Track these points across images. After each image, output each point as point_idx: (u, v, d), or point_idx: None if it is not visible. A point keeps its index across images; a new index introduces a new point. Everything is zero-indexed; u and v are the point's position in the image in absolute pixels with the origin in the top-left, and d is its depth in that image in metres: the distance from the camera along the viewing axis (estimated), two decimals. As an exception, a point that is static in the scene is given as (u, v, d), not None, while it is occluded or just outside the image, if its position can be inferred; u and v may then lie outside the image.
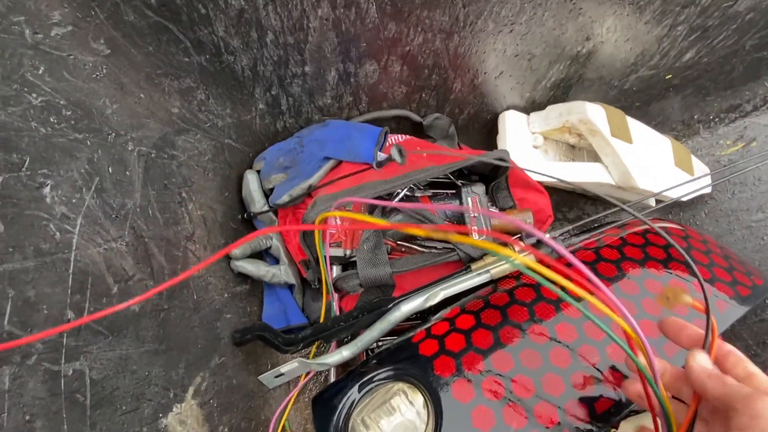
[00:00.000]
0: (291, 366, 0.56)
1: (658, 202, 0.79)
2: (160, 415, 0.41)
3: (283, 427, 0.60)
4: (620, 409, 0.41)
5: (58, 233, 0.34)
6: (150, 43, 0.43)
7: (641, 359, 0.32)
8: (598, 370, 0.43)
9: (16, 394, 0.29)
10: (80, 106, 0.39)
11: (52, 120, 0.36)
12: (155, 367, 0.42)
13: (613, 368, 0.43)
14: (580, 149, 0.75)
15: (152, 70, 0.45)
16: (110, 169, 0.41)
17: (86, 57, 0.39)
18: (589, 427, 0.40)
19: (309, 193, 0.57)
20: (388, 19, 0.47)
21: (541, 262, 0.29)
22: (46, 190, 0.34)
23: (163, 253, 0.46)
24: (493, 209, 0.65)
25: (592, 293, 0.28)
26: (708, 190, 0.72)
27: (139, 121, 0.45)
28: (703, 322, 0.32)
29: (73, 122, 0.38)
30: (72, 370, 0.33)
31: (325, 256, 0.54)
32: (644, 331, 0.45)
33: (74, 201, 0.36)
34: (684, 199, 0.68)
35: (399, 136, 0.63)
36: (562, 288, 0.29)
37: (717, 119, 0.76)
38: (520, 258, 0.42)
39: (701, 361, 0.29)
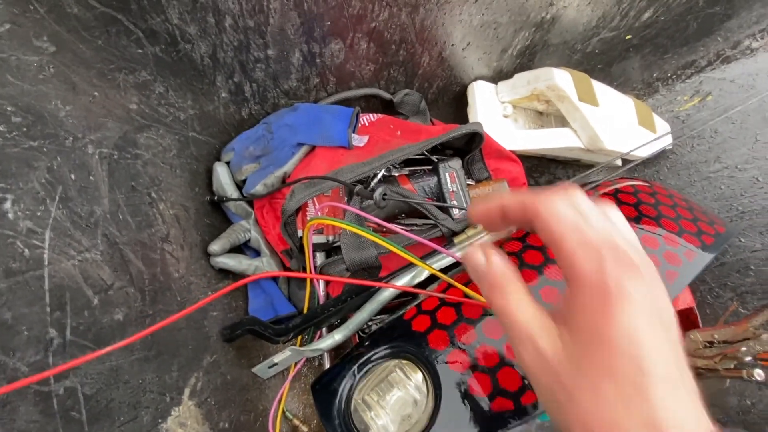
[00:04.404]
0: (284, 355, 0.56)
1: (624, 161, 0.82)
2: (159, 420, 0.41)
3: (282, 414, 0.61)
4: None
5: (26, 250, 0.32)
6: (98, 37, 0.40)
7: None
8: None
9: (8, 420, 0.28)
10: (30, 111, 0.36)
11: (1, 129, 0.33)
12: (148, 374, 0.41)
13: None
14: (547, 115, 0.76)
15: (104, 66, 0.42)
16: (72, 176, 0.38)
17: (30, 57, 0.36)
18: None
19: (284, 181, 0.56)
20: (352, -5, 0.45)
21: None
22: (7, 205, 0.32)
23: (140, 257, 0.44)
24: (470, 182, 0.66)
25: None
26: (670, 146, 0.75)
27: (97, 122, 0.42)
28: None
29: (25, 129, 0.35)
30: (63, 388, 0.32)
31: (310, 245, 0.53)
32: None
33: (39, 214, 0.34)
34: (649, 156, 0.71)
35: (371, 115, 0.62)
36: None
37: (674, 76, 0.78)
38: (429, 268, 0.43)
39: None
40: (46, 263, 0.34)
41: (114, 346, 0.30)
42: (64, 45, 0.38)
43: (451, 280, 0.43)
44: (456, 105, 0.73)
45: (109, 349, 0.30)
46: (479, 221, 0.26)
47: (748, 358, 0.58)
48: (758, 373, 0.55)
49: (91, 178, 0.41)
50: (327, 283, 0.61)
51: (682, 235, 0.53)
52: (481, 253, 0.24)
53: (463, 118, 0.72)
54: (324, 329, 0.62)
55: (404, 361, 0.47)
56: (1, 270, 0.30)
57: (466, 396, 0.42)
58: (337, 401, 0.45)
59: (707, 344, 0.66)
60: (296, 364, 0.64)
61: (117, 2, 0.38)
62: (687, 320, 0.70)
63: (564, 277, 0.21)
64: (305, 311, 0.61)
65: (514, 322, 0.22)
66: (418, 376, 0.46)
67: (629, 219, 0.54)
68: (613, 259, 0.19)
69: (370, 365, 0.47)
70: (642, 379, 0.18)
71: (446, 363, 0.44)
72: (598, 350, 0.19)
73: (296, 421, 0.61)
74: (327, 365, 0.65)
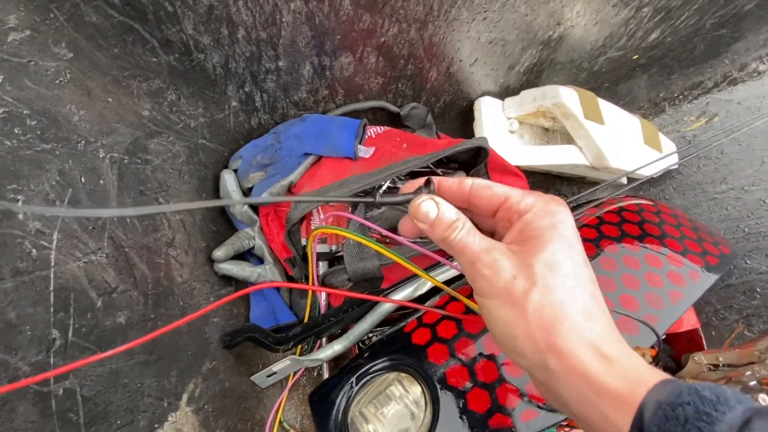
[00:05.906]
0: (283, 364, 0.56)
1: (629, 179, 0.82)
2: (156, 425, 0.41)
3: (280, 424, 0.61)
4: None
5: (34, 250, 0.33)
6: (115, 45, 0.41)
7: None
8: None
9: (6, 419, 0.28)
10: (45, 114, 0.37)
11: (16, 131, 0.34)
12: (147, 378, 0.41)
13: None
14: (553, 132, 0.76)
15: (119, 73, 0.43)
16: (83, 179, 0.39)
17: (48, 62, 0.37)
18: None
19: (290, 190, 0.56)
20: (363, 10, 0.46)
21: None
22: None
23: (145, 261, 0.44)
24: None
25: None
26: (675, 165, 0.75)
27: (109, 127, 0.43)
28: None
29: (39, 132, 0.36)
30: (62, 389, 0.33)
31: (313, 254, 0.53)
32: (624, 305, 0.47)
33: (48, 215, 0.35)
34: (654, 175, 0.71)
35: (377, 127, 0.62)
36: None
37: (681, 96, 0.79)
38: (433, 280, 0.40)
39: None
40: (52, 264, 0.34)
41: (116, 350, 0.30)
42: (81, 52, 0.39)
43: (454, 293, 0.43)
44: (462, 120, 0.74)
45: (110, 352, 0.30)
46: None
47: (752, 383, 0.57)
48: (762, 398, 0.54)
49: (101, 181, 0.41)
50: (329, 293, 0.61)
51: (686, 255, 0.53)
52: (432, 203, 0.27)
53: (469, 133, 0.73)
54: (324, 339, 0.62)
55: (403, 374, 0.47)
56: (8, 269, 0.31)
57: (464, 411, 0.41)
58: (334, 413, 0.45)
59: (711, 367, 0.65)
60: (295, 373, 0.63)
61: (134, 12, 0.39)
62: (691, 342, 0.69)
63: (511, 219, 0.27)
64: (306, 320, 0.61)
65: (470, 249, 0.25)
66: (416, 390, 0.45)
67: (633, 237, 0.54)
68: (550, 197, 0.26)
69: (368, 377, 0.47)
70: (580, 271, 0.24)
71: (445, 377, 0.43)
72: (546, 249, 0.24)
73: (293, 432, 0.61)
74: (326, 376, 0.64)
